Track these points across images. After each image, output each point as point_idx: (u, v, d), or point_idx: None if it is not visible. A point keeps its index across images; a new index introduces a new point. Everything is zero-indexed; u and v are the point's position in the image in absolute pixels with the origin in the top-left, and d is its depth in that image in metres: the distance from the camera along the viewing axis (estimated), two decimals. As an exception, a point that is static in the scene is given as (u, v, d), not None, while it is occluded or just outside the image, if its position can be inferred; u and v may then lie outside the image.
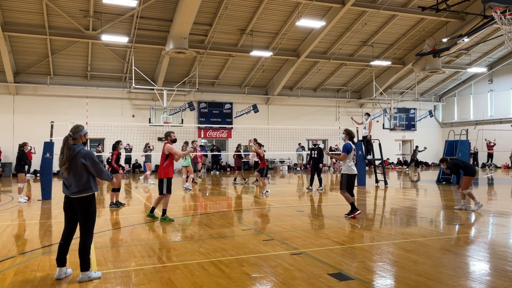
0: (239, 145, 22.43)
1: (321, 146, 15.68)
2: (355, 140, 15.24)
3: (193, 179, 17.34)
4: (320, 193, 14.14)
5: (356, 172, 9.21)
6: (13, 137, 23.72)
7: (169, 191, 8.71)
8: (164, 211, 8.72)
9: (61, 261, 4.95)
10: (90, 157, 4.95)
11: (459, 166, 10.30)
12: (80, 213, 4.94)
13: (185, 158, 16.35)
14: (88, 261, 4.90)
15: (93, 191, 5.01)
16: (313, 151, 15.46)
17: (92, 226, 5.02)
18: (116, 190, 10.78)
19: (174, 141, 8.98)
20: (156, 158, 21.13)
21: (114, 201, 10.79)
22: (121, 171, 11.36)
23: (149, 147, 20.62)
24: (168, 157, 8.73)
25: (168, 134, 9.05)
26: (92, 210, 5.00)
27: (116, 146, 11.34)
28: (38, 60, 22.99)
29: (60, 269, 4.96)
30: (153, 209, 8.97)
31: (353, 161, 9.19)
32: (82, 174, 4.89)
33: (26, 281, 4.87)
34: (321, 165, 15.30)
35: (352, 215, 8.93)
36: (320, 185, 15.19)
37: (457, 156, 16.78)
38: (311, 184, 15.24)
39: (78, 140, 5.02)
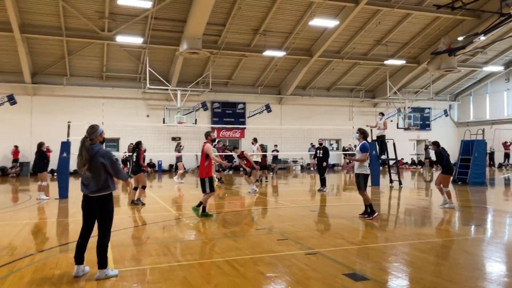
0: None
1: (327, 145, 14.94)
2: (369, 139, 15.13)
3: (220, 178, 17.41)
4: (323, 194, 13.62)
5: (369, 172, 9.09)
6: (31, 137, 24.09)
7: (212, 189, 8.97)
8: (203, 208, 9.03)
9: (79, 259, 5.04)
10: (109, 157, 5.03)
11: (442, 159, 10.51)
12: (98, 212, 5.03)
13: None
14: (106, 259, 4.98)
15: (111, 190, 5.09)
16: (318, 150, 14.85)
17: (109, 225, 5.11)
18: (143, 187, 11.13)
19: (214, 140, 9.27)
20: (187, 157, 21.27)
21: (136, 199, 11.04)
22: (149, 169, 11.71)
23: (180, 146, 20.43)
24: (207, 156, 8.91)
25: (208, 134, 9.25)
26: (110, 209, 5.09)
27: (139, 146, 11.53)
28: (55, 61, 23.35)
29: (78, 267, 5.04)
30: (204, 208, 9.14)
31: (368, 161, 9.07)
32: (100, 173, 4.97)
33: (45, 278, 4.96)
34: (325, 163, 14.57)
35: (371, 218, 8.67)
36: (322, 185, 14.40)
37: (473, 156, 16.57)
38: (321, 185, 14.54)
39: (95, 140, 5.09)
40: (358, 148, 9.04)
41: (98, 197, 4.99)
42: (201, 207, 9.07)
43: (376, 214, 8.81)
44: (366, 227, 8.15)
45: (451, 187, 11.69)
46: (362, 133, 9.10)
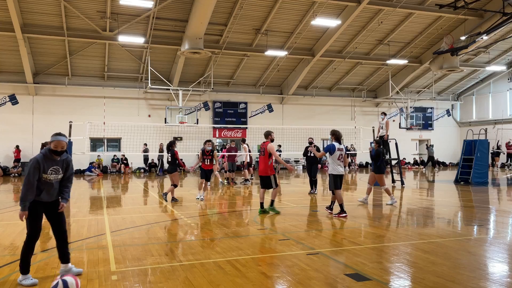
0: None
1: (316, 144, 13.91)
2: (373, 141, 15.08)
3: (232, 179, 17.44)
4: (312, 196, 13.00)
5: (341, 173, 9.29)
6: (32, 137, 24.19)
7: (276, 185, 9.60)
8: (272, 202, 9.57)
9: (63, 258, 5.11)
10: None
11: (378, 158, 11.12)
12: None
13: None
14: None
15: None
16: (309, 149, 13.65)
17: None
18: (174, 186, 11.65)
19: (272, 140, 9.69)
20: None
21: (170, 195, 11.65)
22: (187, 167, 12.92)
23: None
24: (270, 155, 9.48)
25: (269, 134, 9.73)
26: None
27: (173, 145, 12.01)
28: (57, 61, 23.39)
29: (65, 266, 5.10)
30: (261, 204, 9.62)
31: (341, 162, 9.30)
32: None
33: (47, 278, 4.95)
34: (319, 165, 13.87)
35: (337, 215, 9.05)
36: (312, 188, 13.61)
37: (475, 156, 16.52)
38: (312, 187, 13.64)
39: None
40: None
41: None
42: (260, 203, 9.68)
43: (345, 214, 9.04)
44: (368, 227, 8.13)
45: (454, 188, 11.62)
46: (333, 135, 9.45)
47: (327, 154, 9.33)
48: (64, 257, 5.03)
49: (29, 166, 4.78)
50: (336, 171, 9.22)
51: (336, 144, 9.27)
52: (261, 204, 9.61)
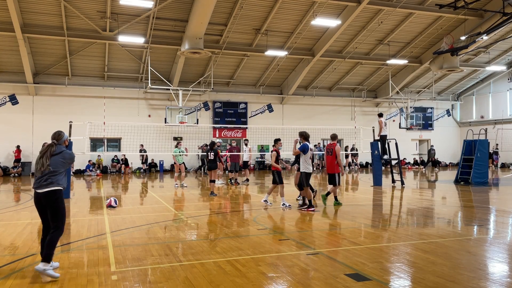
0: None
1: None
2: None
3: (235, 179, 17.47)
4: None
5: (311, 171, 10.14)
6: (32, 137, 24.19)
7: (339, 183, 10.87)
8: (336, 197, 10.71)
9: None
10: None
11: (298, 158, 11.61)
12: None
13: (180, 155, 16.54)
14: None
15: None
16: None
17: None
18: (213, 181, 13.23)
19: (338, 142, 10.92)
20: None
21: (212, 192, 13.10)
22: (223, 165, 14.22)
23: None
24: (336, 156, 10.71)
25: (336, 136, 11.08)
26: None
27: (215, 145, 13.75)
28: (57, 61, 23.39)
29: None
30: (335, 197, 10.76)
31: (311, 161, 10.22)
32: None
33: (46, 278, 4.94)
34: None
35: (307, 210, 9.82)
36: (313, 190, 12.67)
37: (475, 156, 16.51)
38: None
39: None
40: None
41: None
42: (327, 197, 10.89)
43: (312, 209, 9.88)
44: (367, 227, 8.12)
45: (454, 188, 11.60)
46: (302, 135, 10.19)
47: (301, 153, 10.00)
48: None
49: (73, 158, 5.48)
50: (308, 169, 10.03)
51: (309, 145, 10.09)
52: (327, 193, 11.01)
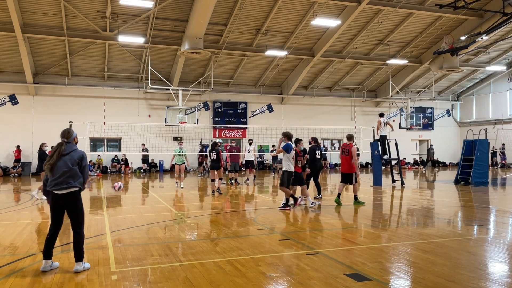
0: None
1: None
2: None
3: (236, 179, 17.51)
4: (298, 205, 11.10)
5: (293, 170, 10.16)
6: (32, 137, 24.19)
7: (356, 181, 11.05)
8: (355, 196, 10.96)
9: (47, 254, 5.24)
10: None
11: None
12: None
13: (181, 155, 16.45)
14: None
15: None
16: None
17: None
18: (220, 179, 13.76)
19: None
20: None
21: (217, 189, 13.55)
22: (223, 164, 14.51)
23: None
24: (352, 156, 10.93)
25: (352, 136, 11.33)
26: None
27: (218, 145, 14.00)
28: (57, 61, 23.39)
29: (46, 261, 5.22)
30: (355, 197, 11.01)
31: (293, 160, 10.25)
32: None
33: (47, 278, 4.95)
34: (308, 170, 11.89)
35: (284, 209, 10.02)
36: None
37: (475, 156, 16.51)
38: (318, 193, 12.25)
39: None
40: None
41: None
42: (339, 198, 10.91)
43: (289, 208, 10.07)
44: (367, 227, 8.12)
45: (454, 188, 11.59)
46: (285, 135, 10.27)
47: (284, 153, 10.08)
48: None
49: (86, 159, 5.45)
50: (290, 168, 10.15)
51: (292, 145, 10.25)
52: (338, 194, 10.97)
